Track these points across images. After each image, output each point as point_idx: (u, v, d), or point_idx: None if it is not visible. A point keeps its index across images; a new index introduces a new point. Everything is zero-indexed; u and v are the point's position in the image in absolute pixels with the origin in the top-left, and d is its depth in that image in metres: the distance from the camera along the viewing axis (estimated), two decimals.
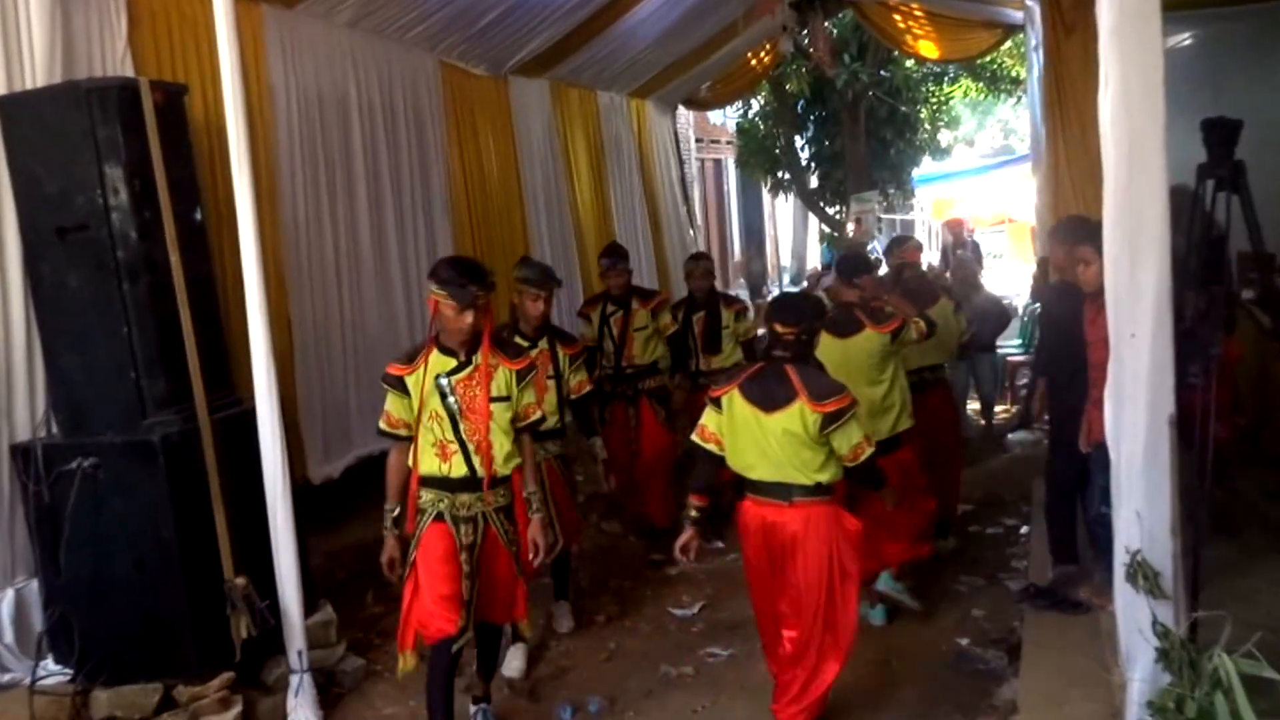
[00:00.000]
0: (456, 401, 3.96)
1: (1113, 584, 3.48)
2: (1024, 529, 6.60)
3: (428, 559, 3.99)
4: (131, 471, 4.22)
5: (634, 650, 5.38)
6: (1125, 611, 3.34)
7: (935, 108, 16.97)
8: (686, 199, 13.84)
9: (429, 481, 4.04)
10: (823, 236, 16.51)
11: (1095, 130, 3.29)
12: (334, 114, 6.74)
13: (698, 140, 20.16)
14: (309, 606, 4.67)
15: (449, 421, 3.97)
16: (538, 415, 4.20)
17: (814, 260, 21.10)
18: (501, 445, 4.03)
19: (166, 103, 4.39)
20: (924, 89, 16.54)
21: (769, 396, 3.90)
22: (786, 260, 23.77)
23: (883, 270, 6.65)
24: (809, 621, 3.93)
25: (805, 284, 16.39)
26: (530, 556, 4.18)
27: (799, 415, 3.83)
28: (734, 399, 3.98)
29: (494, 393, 4.01)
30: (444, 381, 3.97)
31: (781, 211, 23.75)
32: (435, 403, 3.97)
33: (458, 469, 4.00)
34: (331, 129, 6.71)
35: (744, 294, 16.71)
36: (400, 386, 4.00)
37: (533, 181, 9.35)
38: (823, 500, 3.92)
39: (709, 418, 4.09)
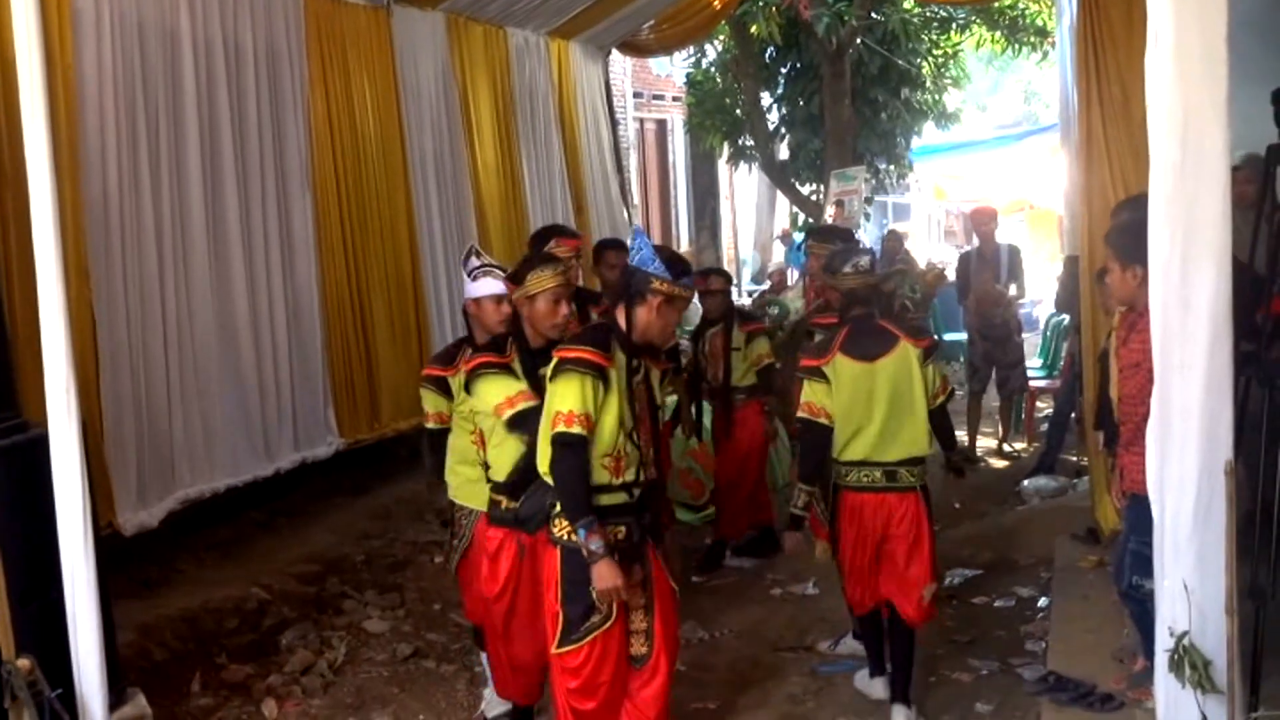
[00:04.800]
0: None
1: (1152, 674, 3.55)
2: (1042, 601, 6.71)
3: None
4: None
5: None
6: (1168, 708, 3.41)
7: (940, 61, 17.06)
8: (621, 170, 13.86)
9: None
10: (795, 223, 16.62)
11: (1141, 97, 3.37)
12: (159, 51, 6.68)
13: (636, 95, 20.20)
14: (115, 697, 4.58)
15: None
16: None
17: (777, 254, 21.24)
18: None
19: None
20: (926, 37, 16.66)
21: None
22: (748, 251, 23.89)
23: None
24: None
25: (768, 284, 16.49)
26: None
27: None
28: None
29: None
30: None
31: (742, 188, 23.88)
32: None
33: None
34: (155, 70, 6.64)
35: None
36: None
37: (420, 144, 9.34)
38: None
39: None
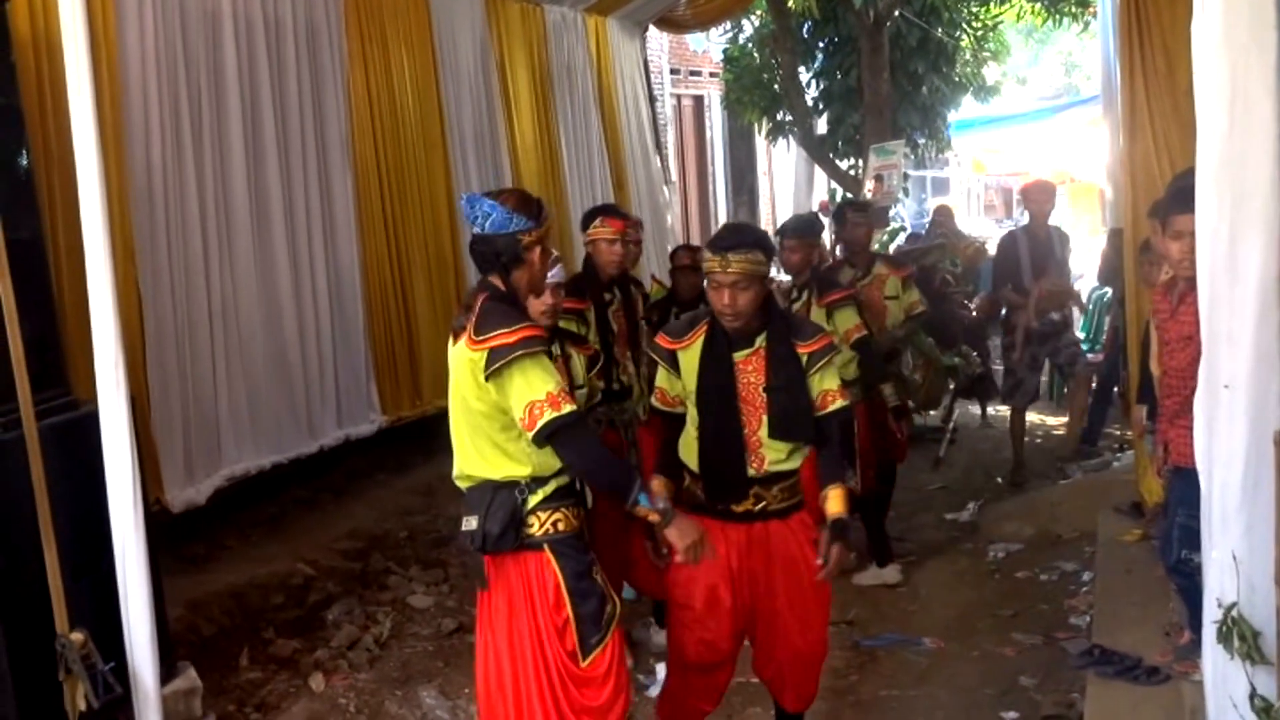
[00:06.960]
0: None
1: (1200, 646, 3.53)
2: (1086, 575, 6.69)
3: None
4: None
5: None
6: (1215, 681, 3.39)
7: (980, 34, 16.96)
8: (659, 146, 13.84)
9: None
10: (834, 198, 16.53)
11: (1186, 66, 3.33)
12: (200, 28, 6.71)
13: (674, 71, 20.15)
14: (166, 670, 4.64)
15: None
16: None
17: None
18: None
19: None
20: (965, 10, 16.57)
21: None
22: None
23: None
24: None
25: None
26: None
27: None
28: None
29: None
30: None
31: (780, 164, 23.79)
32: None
33: None
34: (197, 50, 6.68)
35: None
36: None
37: (459, 119, 9.35)
38: None
39: None
